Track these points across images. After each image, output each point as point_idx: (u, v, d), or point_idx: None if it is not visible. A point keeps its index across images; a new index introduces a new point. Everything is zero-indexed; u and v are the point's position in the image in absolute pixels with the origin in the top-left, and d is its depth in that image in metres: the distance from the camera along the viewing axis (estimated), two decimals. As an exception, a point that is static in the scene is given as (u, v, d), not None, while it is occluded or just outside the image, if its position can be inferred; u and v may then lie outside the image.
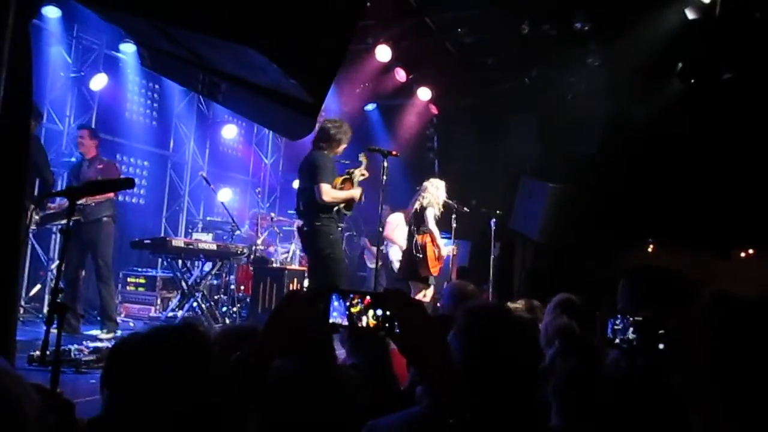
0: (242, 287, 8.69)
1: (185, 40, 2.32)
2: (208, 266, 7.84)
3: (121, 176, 7.40)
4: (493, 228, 7.99)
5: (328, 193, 5.55)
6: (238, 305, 8.34)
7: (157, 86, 9.83)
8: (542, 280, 8.68)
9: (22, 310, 6.77)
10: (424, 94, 10.27)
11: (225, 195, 9.60)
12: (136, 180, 8.56)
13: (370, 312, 1.30)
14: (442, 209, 7.32)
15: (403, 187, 8.85)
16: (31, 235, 7.02)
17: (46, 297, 7.41)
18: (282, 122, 2.97)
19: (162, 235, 9.51)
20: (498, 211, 8.10)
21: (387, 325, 1.29)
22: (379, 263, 6.64)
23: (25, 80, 2.73)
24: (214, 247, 7.61)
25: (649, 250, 10.79)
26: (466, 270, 9.28)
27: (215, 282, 8.64)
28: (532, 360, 1.70)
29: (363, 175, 6.05)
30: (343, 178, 5.87)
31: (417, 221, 7.17)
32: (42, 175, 5.83)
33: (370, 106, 11.24)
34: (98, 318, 6.94)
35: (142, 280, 8.46)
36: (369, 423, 1.59)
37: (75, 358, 4.58)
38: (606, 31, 8.09)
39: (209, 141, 10.89)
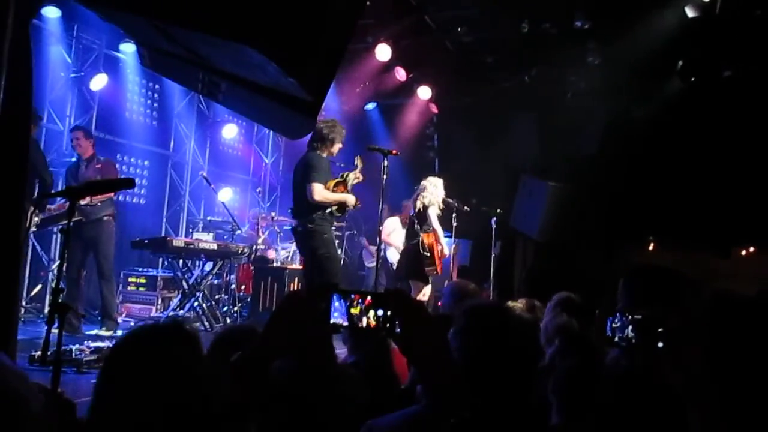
0: (243, 287, 8.70)
1: (185, 39, 2.32)
2: (208, 266, 7.85)
3: (120, 175, 7.42)
4: (494, 227, 7.99)
5: (320, 192, 5.60)
6: (239, 305, 8.35)
7: (157, 86, 9.83)
8: (542, 279, 8.67)
9: (23, 310, 6.79)
10: (424, 93, 10.27)
11: (225, 194, 9.60)
12: (137, 180, 8.62)
13: (371, 312, 1.30)
14: (442, 208, 7.32)
15: (404, 186, 8.86)
16: (31, 236, 7.04)
17: (47, 297, 7.42)
18: (282, 121, 2.97)
19: (163, 234, 9.51)
20: (498, 210, 8.10)
21: (388, 325, 1.29)
22: (378, 264, 6.65)
23: (25, 80, 2.73)
24: (214, 246, 7.62)
25: (650, 248, 10.79)
26: (466, 269, 9.28)
27: (216, 282, 8.65)
28: (531, 359, 1.70)
29: (357, 178, 6.09)
30: (336, 180, 5.91)
31: (420, 220, 7.17)
32: (41, 177, 5.84)
33: (370, 105, 11.24)
34: (99, 317, 6.95)
35: (142, 280, 8.47)
36: (368, 422, 1.59)
37: (76, 358, 4.58)
38: (606, 30, 8.08)
39: (209, 140, 10.89)
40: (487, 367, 1.58)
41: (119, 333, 6.64)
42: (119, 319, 7.13)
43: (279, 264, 8.75)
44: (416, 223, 7.19)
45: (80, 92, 8.51)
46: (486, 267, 8.06)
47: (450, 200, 7.47)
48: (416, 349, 1.27)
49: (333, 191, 5.81)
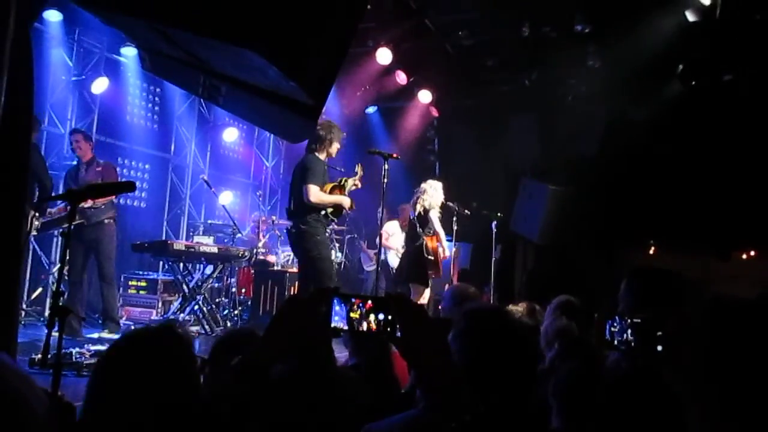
0: (243, 290, 8.70)
1: (185, 42, 2.32)
2: (209, 269, 7.85)
3: (120, 178, 7.43)
4: (494, 230, 7.99)
5: (315, 194, 5.63)
6: (240, 308, 8.35)
7: (158, 89, 9.84)
8: (543, 282, 8.67)
9: (23, 313, 6.80)
10: (424, 96, 10.28)
11: (226, 198, 9.61)
12: (137, 183, 8.62)
13: (372, 316, 1.30)
14: (441, 211, 7.33)
15: (404, 189, 8.85)
16: (32, 239, 7.04)
17: (48, 300, 7.42)
18: (282, 125, 2.97)
19: (163, 238, 9.52)
20: (499, 213, 8.10)
21: (389, 328, 1.29)
22: (379, 267, 6.66)
23: (26, 83, 2.74)
24: (215, 250, 7.61)
25: (650, 251, 10.78)
26: (467, 272, 9.28)
27: (216, 285, 8.65)
28: (531, 362, 1.70)
29: (355, 185, 6.12)
30: (333, 184, 5.94)
31: (421, 224, 7.17)
32: (40, 181, 5.85)
33: (371, 109, 11.25)
34: (101, 319, 6.96)
35: (143, 283, 8.47)
36: (366, 426, 1.59)
37: (76, 361, 4.58)
38: (606, 33, 8.09)
39: (210, 144, 10.90)
40: (486, 370, 1.58)
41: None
42: (120, 322, 7.13)
43: (279, 267, 8.75)
44: (418, 226, 7.19)
45: (81, 95, 8.52)
46: (486, 270, 8.06)
47: (450, 204, 7.47)
48: (417, 352, 1.27)
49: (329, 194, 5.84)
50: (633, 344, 1.33)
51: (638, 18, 7.53)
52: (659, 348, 1.24)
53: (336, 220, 6.08)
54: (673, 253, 9.70)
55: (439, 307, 5.49)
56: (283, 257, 9.19)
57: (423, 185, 7.32)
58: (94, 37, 8.46)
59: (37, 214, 5.93)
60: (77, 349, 4.77)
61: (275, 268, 8.74)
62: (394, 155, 6.09)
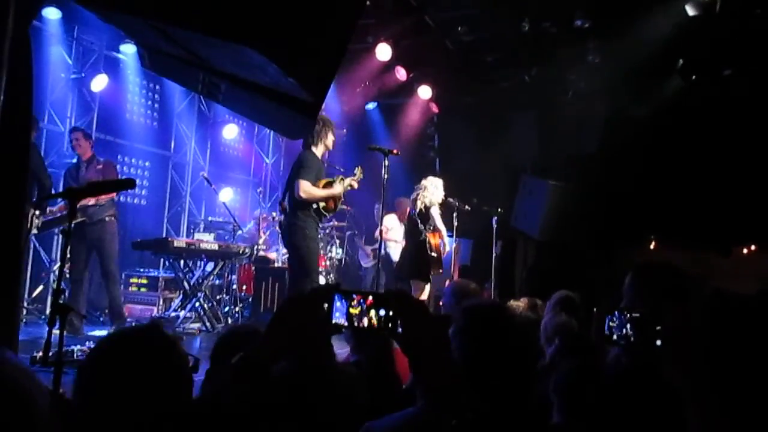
0: (244, 287, 8.70)
1: (184, 40, 2.32)
2: (209, 266, 7.86)
3: (120, 176, 7.44)
4: (495, 226, 7.99)
5: (306, 190, 5.68)
6: (240, 305, 8.36)
7: (157, 87, 9.84)
8: (543, 278, 8.67)
9: (24, 311, 6.80)
10: (424, 92, 10.27)
11: (226, 195, 9.61)
12: (138, 180, 8.60)
13: (372, 312, 1.30)
14: (443, 209, 7.35)
15: (404, 185, 8.85)
16: (33, 237, 7.04)
17: (49, 298, 7.43)
18: (282, 122, 2.97)
19: (164, 235, 9.52)
20: (499, 209, 8.10)
21: (390, 325, 1.29)
22: (377, 262, 6.67)
23: (26, 82, 2.74)
24: (215, 247, 7.62)
25: (651, 247, 10.78)
26: (467, 268, 9.28)
27: (217, 282, 8.65)
28: (531, 358, 1.70)
29: (351, 185, 6.15)
30: (328, 181, 5.97)
31: (422, 220, 7.18)
32: (39, 180, 5.85)
33: (371, 105, 11.25)
34: (104, 317, 6.99)
35: (144, 281, 8.47)
36: (366, 424, 1.59)
37: (77, 358, 4.59)
38: (606, 29, 8.08)
39: (210, 141, 10.90)
40: (486, 366, 1.58)
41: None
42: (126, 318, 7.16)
43: (280, 264, 8.76)
44: (419, 223, 7.20)
45: (81, 93, 8.51)
46: (487, 266, 8.06)
47: (451, 200, 7.48)
48: (417, 348, 1.27)
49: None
50: (632, 339, 1.33)
51: (638, 13, 7.52)
52: (658, 343, 1.24)
53: (328, 216, 6.11)
54: (674, 249, 9.70)
55: (440, 303, 5.50)
56: (283, 254, 9.19)
57: (423, 182, 7.33)
58: (94, 34, 8.46)
59: (37, 213, 5.94)
60: (78, 347, 4.77)
61: (276, 264, 8.74)
62: (394, 151, 6.09)
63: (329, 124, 6.01)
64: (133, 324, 7.02)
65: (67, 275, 6.47)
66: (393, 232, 8.84)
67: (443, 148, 11.20)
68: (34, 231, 6.10)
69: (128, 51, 8.56)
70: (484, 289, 7.44)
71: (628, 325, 1.34)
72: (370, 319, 1.30)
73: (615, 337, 1.40)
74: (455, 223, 7.79)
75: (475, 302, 1.87)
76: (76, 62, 8.40)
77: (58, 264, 7.46)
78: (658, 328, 1.23)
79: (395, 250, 8.65)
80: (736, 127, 8.07)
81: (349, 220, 10.30)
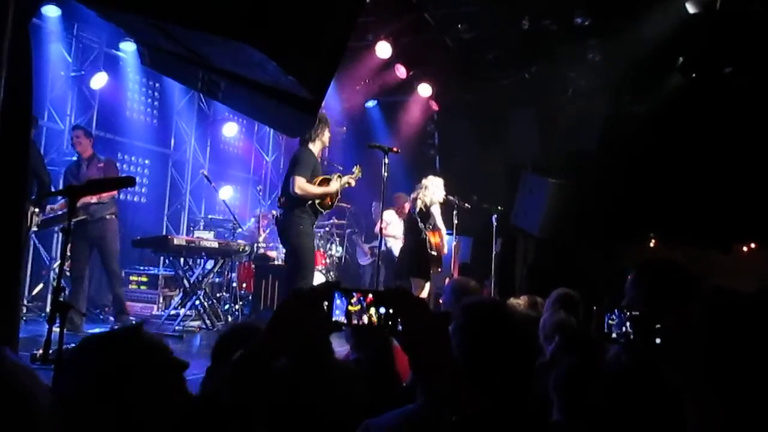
0: (244, 285, 8.71)
1: (184, 38, 2.32)
2: (209, 264, 7.86)
3: (120, 174, 7.45)
4: (495, 224, 7.99)
5: (301, 186, 5.70)
6: (240, 303, 8.36)
7: (157, 84, 9.83)
8: (543, 276, 8.68)
9: (24, 309, 6.81)
10: (424, 90, 10.27)
11: (226, 193, 9.61)
12: (137, 178, 8.61)
13: (372, 310, 1.30)
14: (443, 207, 7.36)
15: (404, 183, 8.86)
16: (32, 235, 7.05)
17: (49, 296, 7.43)
18: (282, 120, 2.97)
19: (164, 233, 9.52)
20: (499, 207, 8.11)
21: (390, 323, 1.29)
22: (377, 259, 6.68)
23: (25, 79, 2.73)
24: (215, 244, 7.62)
25: (651, 244, 10.78)
26: (467, 266, 9.29)
27: (217, 280, 8.66)
28: (530, 355, 1.70)
29: (348, 183, 6.17)
30: (324, 178, 5.98)
31: (423, 219, 7.20)
32: (39, 177, 5.85)
33: (371, 103, 11.24)
34: (104, 314, 6.99)
35: (144, 279, 8.48)
36: (365, 422, 1.59)
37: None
38: (606, 27, 8.07)
39: (210, 139, 10.90)
40: (486, 363, 1.58)
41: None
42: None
43: (280, 262, 8.75)
44: (419, 221, 7.21)
45: (80, 91, 8.51)
46: (487, 264, 8.06)
47: (451, 197, 7.48)
48: (417, 346, 1.27)
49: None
50: (632, 337, 1.33)
51: (638, 11, 7.52)
52: (658, 341, 1.24)
53: (324, 213, 6.13)
54: (674, 246, 9.70)
55: (440, 301, 5.51)
56: (283, 252, 9.18)
57: (424, 181, 7.34)
58: (93, 32, 8.45)
59: (36, 210, 5.94)
60: (78, 345, 4.77)
61: (276, 262, 8.74)
62: (394, 149, 6.10)
63: (326, 121, 6.02)
64: (133, 321, 7.05)
65: (68, 273, 6.48)
66: (392, 226, 8.84)
67: (443, 145, 11.21)
68: (34, 228, 6.11)
69: (128, 49, 8.56)
70: (484, 287, 7.45)
71: (628, 323, 1.34)
72: (370, 317, 1.31)
73: (614, 335, 1.40)
74: (455, 221, 7.79)
75: (474, 300, 1.88)
76: (76, 60, 8.40)
77: (58, 262, 7.47)
78: (658, 326, 1.23)
79: (395, 245, 8.66)
80: (736, 125, 8.07)
81: (349, 218, 10.30)
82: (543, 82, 9.53)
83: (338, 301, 1.32)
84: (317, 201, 5.86)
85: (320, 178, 5.94)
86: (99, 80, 8.27)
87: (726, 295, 1.06)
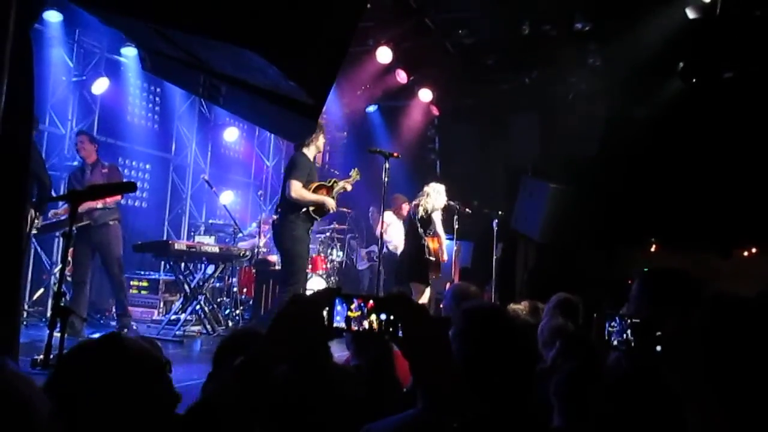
0: (245, 290, 8.70)
1: (185, 43, 2.32)
2: (210, 269, 7.85)
3: (124, 179, 7.46)
4: (495, 228, 7.99)
5: (296, 190, 5.73)
6: (241, 308, 8.35)
7: (158, 89, 9.85)
8: (544, 281, 8.67)
9: (25, 314, 6.81)
10: (425, 95, 10.28)
11: (227, 197, 9.61)
12: (138, 183, 8.62)
13: (373, 316, 1.30)
14: (444, 212, 7.37)
15: (405, 188, 8.86)
16: (33, 239, 7.05)
17: (49, 300, 7.43)
18: (283, 124, 2.97)
19: (164, 238, 9.52)
20: (500, 212, 8.11)
21: (391, 329, 1.29)
22: (378, 263, 6.67)
23: (27, 84, 2.74)
24: (216, 249, 7.62)
25: (651, 249, 10.78)
26: (468, 271, 9.28)
27: (218, 285, 8.65)
28: (530, 360, 1.70)
29: (344, 188, 6.17)
30: (320, 183, 6.00)
31: (424, 225, 7.21)
32: (39, 179, 5.86)
33: (372, 108, 11.25)
34: (104, 319, 6.99)
35: (144, 283, 8.48)
36: (366, 426, 1.59)
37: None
38: (606, 32, 8.09)
39: (211, 143, 10.90)
40: (486, 368, 1.58)
41: (134, 327, 6.91)
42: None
43: (280, 267, 8.74)
44: (419, 227, 7.23)
45: (82, 96, 8.52)
46: (488, 269, 8.05)
47: (452, 202, 7.49)
48: (418, 352, 1.27)
49: (314, 193, 5.92)
50: (633, 344, 1.33)
51: (638, 16, 7.53)
52: (658, 348, 1.24)
53: (319, 219, 6.13)
54: (674, 251, 9.70)
55: (440, 306, 5.50)
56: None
57: (426, 188, 7.36)
58: (95, 37, 8.47)
59: (36, 213, 5.94)
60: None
61: (276, 267, 8.73)
62: (395, 154, 6.11)
63: (320, 126, 6.05)
64: (134, 325, 7.04)
65: (68, 278, 6.47)
66: (391, 228, 8.82)
67: (444, 150, 11.21)
68: (33, 231, 6.11)
69: (129, 54, 8.57)
70: (485, 292, 7.44)
71: (629, 331, 1.34)
72: (371, 323, 1.30)
73: (615, 342, 1.40)
74: (456, 226, 7.79)
75: (474, 305, 1.87)
76: (77, 65, 8.41)
77: (59, 266, 7.47)
78: (659, 333, 1.23)
79: (394, 247, 8.64)
80: (737, 130, 8.07)
81: (350, 222, 10.30)
82: (543, 87, 9.54)
83: (339, 307, 1.32)
84: (311, 208, 5.87)
85: (316, 184, 5.96)
86: (100, 85, 8.28)
87: (726, 300, 1.06)
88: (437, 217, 7.20)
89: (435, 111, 10.88)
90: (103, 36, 8.44)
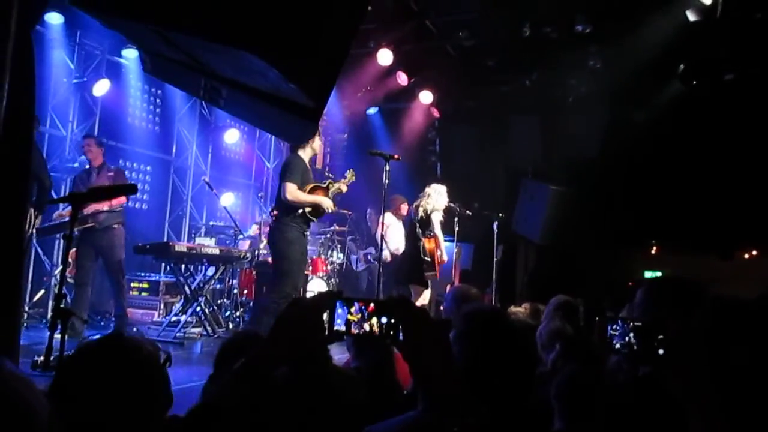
0: (245, 291, 8.70)
1: (185, 45, 2.32)
2: (211, 271, 7.85)
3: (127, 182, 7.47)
4: (496, 231, 7.99)
5: (291, 192, 5.72)
6: (241, 309, 8.35)
7: (159, 91, 9.86)
8: (545, 283, 8.67)
9: (25, 315, 6.81)
10: (425, 97, 10.28)
11: (227, 199, 9.61)
12: (139, 185, 8.63)
13: (374, 319, 1.30)
14: (444, 214, 7.36)
15: (406, 190, 8.86)
16: (34, 240, 7.05)
17: (50, 302, 7.43)
18: (283, 127, 2.97)
19: (165, 239, 9.52)
20: (500, 214, 8.10)
21: (391, 332, 1.29)
22: (369, 265, 6.67)
23: (28, 86, 2.74)
24: (216, 251, 7.62)
25: (652, 251, 10.77)
26: (468, 273, 9.28)
27: (218, 286, 8.65)
28: (530, 363, 1.70)
29: (339, 190, 6.17)
30: (315, 185, 5.98)
31: (422, 226, 7.21)
32: (39, 179, 5.86)
33: (372, 110, 11.26)
34: (104, 320, 6.99)
35: (145, 285, 8.48)
36: (365, 429, 1.59)
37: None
38: (607, 34, 8.09)
39: (212, 145, 10.91)
40: (487, 371, 1.58)
41: (134, 330, 6.90)
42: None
43: (272, 268, 8.73)
44: (418, 227, 7.23)
45: (83, 98, 8.53)
46: (488, 271, 8.05)
47: (452, 204, 7.49)
48: (419, 355, 1.27)
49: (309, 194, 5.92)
50: (635, 348, 1.33)
51: (639, 18, 7.54)
52: (661, 351, 1.24)
53: (315, 220, 6.12)
54: (675, 253, 9.69)
55: (441, 308, 5.50)
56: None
57: (427, 189, 7.36)
58: (96, 39, 8.47)
59: (36, 213, 5.94)
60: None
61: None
62: (396, 156, 6.10)
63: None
64: (135, 329, 7.05)
65: (69, 279, 6.47)
66: (390, 229, 8.81)
67: (444, 152, 11.21)
68: (32, 231, 6.11)
69: (130, 56, 8.58)
70: (485, 294, 7.44)
71: (631, 334, 1.34)
72: (371, 326, 1.30)
73: (617, 345, 1.40)
74: (456, 228, 7.79)
75: (475, 307, 1.87)
76: (78, 67, 8.41)
77: (60, 268, 7.46)
78: (660, 336, 1.23)
79: (393, 248, 8.64)
80: (738, 132, 8.07)
81: (350, 224, 10.29)
82: (544, 89, 9.55)
83: (340, 311, 1.32)
84: (307, 209, 5.86)
85: (311, 185, 5.95)
86: (101, 87, 8.29)
87: (727, 302, 1.06)
88: (436, 218, 7.19)
89: (435, 113, 10.88)
90: (104, 38, 8.44)
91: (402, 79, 9.89)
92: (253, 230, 9.35)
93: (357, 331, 1.31)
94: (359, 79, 9.85)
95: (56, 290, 4.74)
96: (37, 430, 0.95)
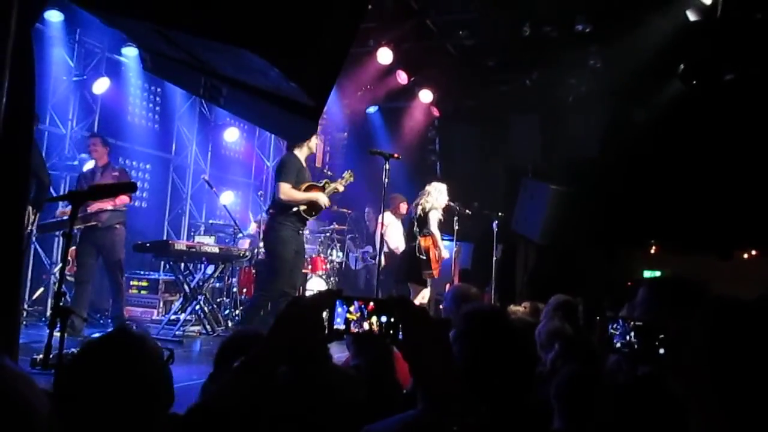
0: (245, 290, 8.69)
1: (186, 44, 2.32)
2: (210, 269, 7.84)
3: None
4: (495, 230, 7.98)
5: (285, 192, 5.74)
6: (241, 308, 8.35)
7: (159, 89, 9.85)
8: (544, 282, 8.67)
9: (24, 313, 6.81)
10: (425, 96, 10.28)
11: (227, 198, 9.61)
12: (139, 183, 8.62)
13: (374, 318, 1.30)
14: (444, 213, 7.36)
15: (405, 189, 8.86)
16: (34, 238, 7.05)
17: (49, 300, 7.43)
18: (283, 125, 2.96)
19: (164, 238, 9.52)
20: (500, 213, 8.10)
21: (391, 331, 1.29)
22: (366, 264, 6.68)
23: (28, 84, 2.74)
24: (216, 250, 7.61)
25: (651, 251, 10.77)
26: (468, 272, 9.28)
27: (218, 285, 8.65)
28: (530, 362, 1.70)
29: (336, 190, 6.18)
30: (311, 184, 5.98)
31: (420, 224, 7.21)
32: (38, 177, 5.86)
33: (372, 109, 11.26)
34: (103, 319, 6.99)
35: (144, 283, 8.48)
36: (365, 428, 1.59)
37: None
38: (607, 33, 8.09)
39: (211, 144, 10.90)
40: (486, 370, 1.58)
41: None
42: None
43: (264, 266, 8.74)
44: (416, 225, 7.23)
45: (82, 96, 8.52)
46: (488, 270, 8.05)
47: (452, 203, 7.49)
48: (418, 355, 1.27)
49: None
50: (636, 347, 1.33)
51: (639, 18, 7.53)
52: (661, 351, 1.24)
53: (310, 219, 6.12)
54: (675, 253, 9.69)
55: (440, 307, 5.50)
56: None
57: (428, 187, 7.36)
58: (95, 37, 8.47)
59: (34, 211, 5.93)
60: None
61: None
62: (395, 155, 6.11)
63: None
64: (134, 327, 7.04)
65: (68, 277, 6.47)
66: (389, 228, 8.81)
67: (444, 151, 11.21)
68: (30, 227, 6.10)
69: (130, 54, 8.57)
70: (485, 293, 7.44)
71: (632, 333, 1.34)
72: (371, 325, 1.30)
73: (618, 344, 1.39)
74: (456, 227, 7.79)
75: (474, 307, 1.87)
76: (78, 65, 8.40)
77: (59, 266, 7.46)
78: (661, 336, 1.23)
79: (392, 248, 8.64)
80: (737, 132, 8.07)
81: (350, 223, 10.30)
82: (544, 89, 9.54)
83: (339, 310, 1.32)
84: (302, 208, 5.87)
85: (307, 184, 5.95)
86: (101, 85, 8.28)
87: (727, 302, 1.06)
88: (434, 216, 7.19)
89: (435, 112, 10.88)
90: (103, 36, 8.44)
91: (402, 78, 9.88)
92: (253, 229, 9.35)
93: (357, 330, 1.31)
94: (359, 77, 9.84)
95: (56, 288, 4.75)
96: (37, 428, 0.95)
